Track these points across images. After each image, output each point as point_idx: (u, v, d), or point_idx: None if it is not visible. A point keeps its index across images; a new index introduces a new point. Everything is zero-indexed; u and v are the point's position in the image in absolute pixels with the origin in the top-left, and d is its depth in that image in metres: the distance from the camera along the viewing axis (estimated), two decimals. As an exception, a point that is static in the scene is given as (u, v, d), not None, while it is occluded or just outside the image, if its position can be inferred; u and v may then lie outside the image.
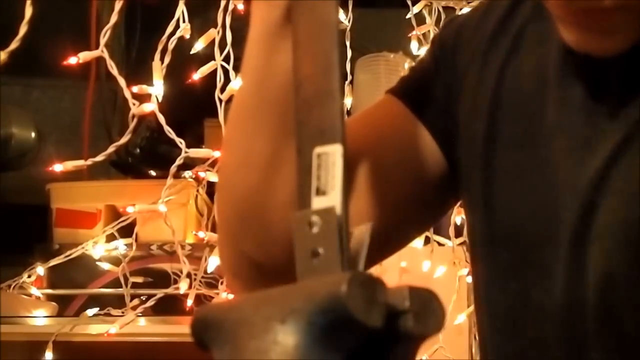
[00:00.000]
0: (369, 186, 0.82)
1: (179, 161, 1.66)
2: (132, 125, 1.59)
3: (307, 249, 0.64)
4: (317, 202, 0.65)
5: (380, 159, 0.84)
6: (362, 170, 0.83)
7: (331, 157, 0.65)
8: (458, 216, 1.91)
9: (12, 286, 1.99)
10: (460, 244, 2.03)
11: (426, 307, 0.61)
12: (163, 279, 2.06)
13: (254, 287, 0.81)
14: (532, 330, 0.76)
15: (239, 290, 0.84)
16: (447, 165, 0.86)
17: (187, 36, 1.69)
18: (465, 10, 2.10)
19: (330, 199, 0.64)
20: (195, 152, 1.71)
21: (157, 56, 1.64)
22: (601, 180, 0.72)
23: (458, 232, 2.00)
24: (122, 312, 1.80)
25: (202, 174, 1.81)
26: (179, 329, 1.80)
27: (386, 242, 0.91)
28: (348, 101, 2.04)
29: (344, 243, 0.64)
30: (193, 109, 2.29)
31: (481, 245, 0.83)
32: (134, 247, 1.84)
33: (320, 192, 0.65)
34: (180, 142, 1.65)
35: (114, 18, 1.57)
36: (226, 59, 1.72)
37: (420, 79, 0.89)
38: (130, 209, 1.87)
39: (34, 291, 2.02)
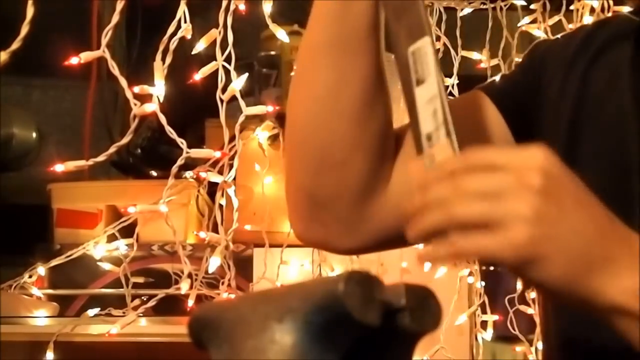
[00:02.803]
0: None
1: (180, 161, 1.66)
2: (133, 125, 1.59)
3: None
4: (419, 92, 0.75)
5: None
6: None
7: (422, 49, 0.74)
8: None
9: (13, 286, 1.98)
10: (461, 244, 2.02)
11: (423, 305, 0.62)
12: (164, 279, 2.06)
13: (309, 217, 0.92)
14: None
15: (297, 223, 0.94)
16: None
17: (189, 36, 1.69)
18: (467, 10, 2.10)
19: (428, 84, 0.73)
20: (196, 153, 1.70)
21: (159, 56, 1.64)
22: None
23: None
24: (123, 313, 1.80)
25: (203, 174, 1.81)
26: (180, 329, 1.78)
27: None
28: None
29: (446, 114, 0.72)
30: (194, 109, 2.29)
31: None
32: (135, 248, 1.83)
33: (419, 82, 0.74)
34: (182, 143, 1.65)
35: (115, 18, 1.57)
36: (227, 59, 1.71)
37: (506, 82, 1.02)
38: (131, 209, 1.87)
39: (35, 291, 2.02)
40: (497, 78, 1.10)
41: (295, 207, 0.93)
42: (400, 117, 2.47)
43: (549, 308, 0.93)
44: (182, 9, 1.67)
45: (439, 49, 2.05)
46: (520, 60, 1.26)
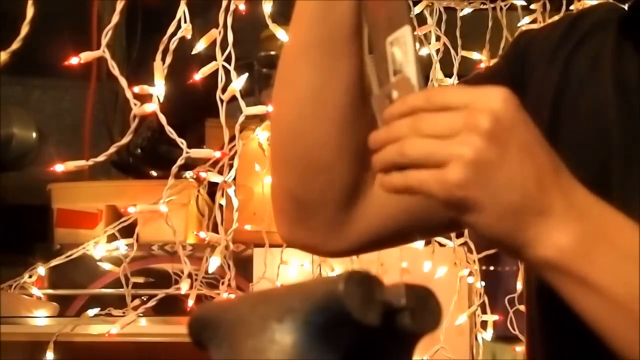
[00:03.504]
0: None
1: (180, 161, 1.66)
2: (133, 125, 1.59)
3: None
4: (395, 80, 0.73)
5: None
6: None
7: (402, 38, 0.72)
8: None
9: (13, 286, 1.98)
10: (461, 244, 2.03)
11: (423, 305, 0.62)
12: (164, 279, 2.06)
13: (294, 220, 0.91)
14: None
15: (283, 226, 0.94)
16: None
17: (189, 36, 1.69)
18: (467, 10, 2.10)
19: (406, 73, 0.71)
20: (196, 153, 1.71)
21: (159, 56, 1.64)
22: None
23: (459, 233, 2.00)
24: (123, 313, 1.80)
25: (203, 174, 1.81)
26: (180, 329, 1.79)
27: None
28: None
29: None
30: (194, 109, 2.29)
31: None
32: (135, 248, 1.83)
33: (397, 72, 0.73)
34: (182, 143, 1.65)
35: (115, 18, 1.57)
36: (227, 59, 1.72)
37: (489, 72, 1.03)
38: (131, 209, 1.87)
39: (35, 291, 2.02)
40: (482, 70, 1.11)
41: (281, 210, 0.93)
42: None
43: (533, 304, 0.93)
44: (182, 9, 1.67)
45: (438, 49, 2.05)
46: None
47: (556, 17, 2.08)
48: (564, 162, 0.79)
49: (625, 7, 0.94)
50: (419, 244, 1.95)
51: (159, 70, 1.64)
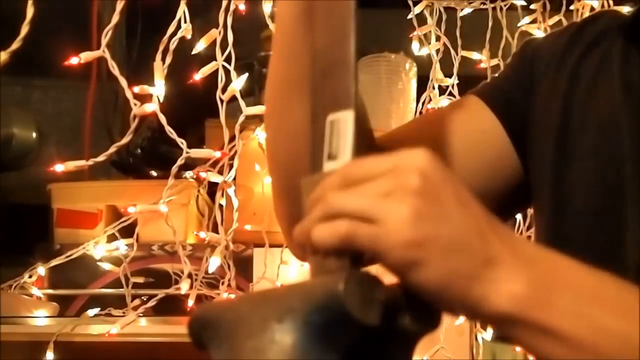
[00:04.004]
0: None
1: (180, 161, 1.66)
2: (133, 125, 1.59)
3: None
4: (329, 167, 0.68)
5: (453, 147, 0.94)
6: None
7: (343, 123, 0.68)
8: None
9: (13, 286, 1.98)
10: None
11: (423, 305, 0.62)
12: (164, 279, 2.06)
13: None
14: None
15: (291, 247, 0.94)
16: (519, 161, 0.95)
17: (189, 36, 1.69)
18: (467, 10, 2.10)
19: (340, 162, 0.67)
20: (196, 153, 1.71)
21: (159, 56, 1.64)
22: None
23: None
24: (123, 313, 1.80)
25: (203, 174, 1.81)
26: (180, 329, 1.79)
27: None
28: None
29: None
30: (194, 110, 2.29)
31: (551, 223, 0.90)
32: (135, 248, 1.83)
33: (331, 156, 0.68)
34: (182, 143, 1.65)
35: (115, 18, 1.57)
36: (227, 60, 1.72)
37: (498, 83, 1.02)
38: (131, 209, 1.87)
39: (35, 291, 2.02)
40: (489, 80, 1.11)
41: (287, 235, 0.93)
42: (400, 117, 2.45)
43: None
44: (182, 9, 1.67)
45: (438, 49, 2.05)
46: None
47: (556, 18, 2.09)
48: (577, 170, 0.78)
49: (624, 10, 0.95)
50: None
51: (159, 70, 1.63)
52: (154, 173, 2.54)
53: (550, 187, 0.89)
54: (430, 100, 2.05)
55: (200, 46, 1.75)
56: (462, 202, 0.65)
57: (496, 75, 1.09)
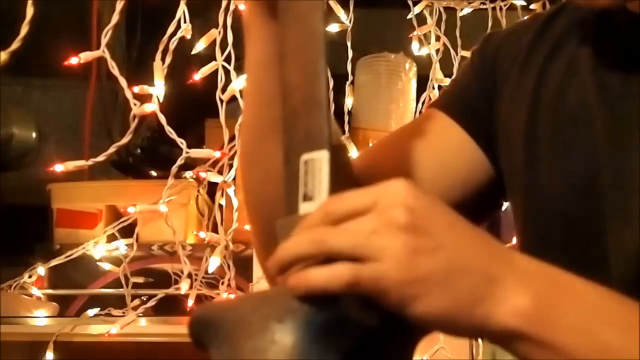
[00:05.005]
0: None
1: (180, 161, 1.66)
2: (133, 125, 1.59)
3: None
4: (304, 208, 0.66)
5: (426, 168, 0.91)
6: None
7: (317, 163, 0.66)
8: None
9: (12, 286, 1.98)
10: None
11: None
12: (164, 279, 2.06)
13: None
14: None
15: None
16: (493, 167, 0.92)
17: (188, 36, 1.69)
18: (467, 10, 2.10)
19: (317, 203, 0.65)
20: (196, 153, 1.71)
21: (158, 56, 1.64)
22: None
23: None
24: (123, 313, 1.80)
25: (203, 175, 1.81)
26: (180, 329, 1.79)
27: None
28: (349, 101, 2.04)
29: None
30: (194, 109, 2.29)
31: (527, 228, 0.87)
32: (135, 248, 1.83)
33: (307, 198, 0.66)
34: (181, 143, 1.65)
35: (115, 18, 1.57)
36: (227, 60, 1.72)
37: (460, 90, 0.97)
38: (131, 209, 1.87)
39: (35, 291, 2.02)
40: (449, 87, 1.03)
41: (270, 280, 0.90)
42: (400, 117, 2.45)
43: None
44: (182, 9, 1.67)
45: (438, 49, 2.05)
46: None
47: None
48: (549, 176, 0.77)
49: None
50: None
51: (159, 70, 1.64)
52: (153, 173, 2.54)
53: (522, 193, 0.87)
54: (430, 100, 2.05)
55: (200, 46, 1.76)
56: (451, 226, 0.65)
57: (456, 79, 1.02)
